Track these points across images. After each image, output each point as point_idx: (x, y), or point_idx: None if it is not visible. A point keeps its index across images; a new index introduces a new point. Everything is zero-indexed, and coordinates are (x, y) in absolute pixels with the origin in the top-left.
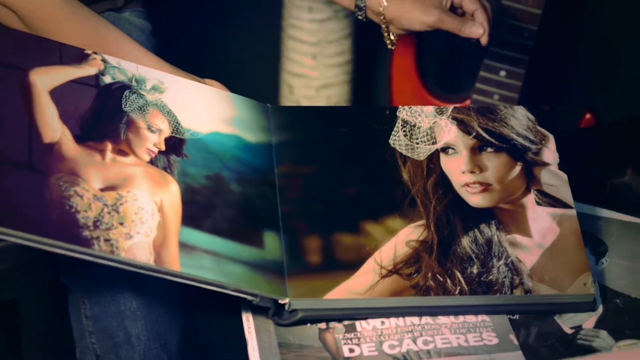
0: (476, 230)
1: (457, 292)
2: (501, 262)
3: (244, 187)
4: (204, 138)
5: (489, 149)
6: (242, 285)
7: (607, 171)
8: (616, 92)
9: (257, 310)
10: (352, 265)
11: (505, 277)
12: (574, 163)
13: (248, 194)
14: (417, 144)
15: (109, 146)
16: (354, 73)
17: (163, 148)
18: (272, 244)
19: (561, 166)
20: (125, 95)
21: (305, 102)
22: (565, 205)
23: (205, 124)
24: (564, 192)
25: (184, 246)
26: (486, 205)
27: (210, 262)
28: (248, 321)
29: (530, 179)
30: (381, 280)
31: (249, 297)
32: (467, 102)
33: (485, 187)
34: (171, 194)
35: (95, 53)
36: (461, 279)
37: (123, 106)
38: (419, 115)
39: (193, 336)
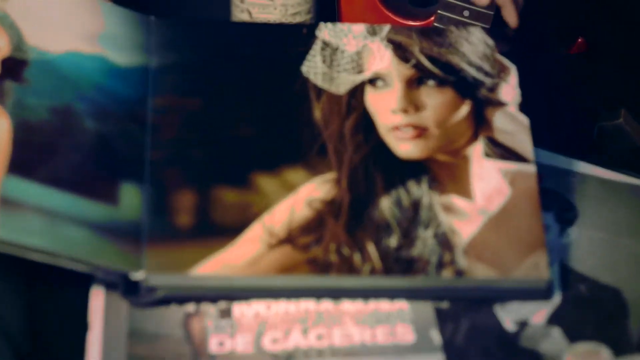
0: (401, 188)
1: (365, 271)
2: (429, 233)
3: (102, 123)
4: (56, 59)
5: (430, 82)
6: (81, 254)
7: (595, 110)
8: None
9: (113, 286)
10: (233, 230)
11: (432, 252)
12: (556, 99)
13: (106, 132)
14: (339, 72)
15: None
16: None
17: None
18: (130, 200)
19: (523, 107)
20: None
21: None
22: (521, 158)
23: (60, 41)
24: (523, 141)
25: (5, 202)
26: (418, 156)
27: (41, 223)
28: (97, 300)
29: (479, 122)
30: (269, 252)
31: (90, 271)
32: (431, 19)
33: (420, 132)
34: None
35: None
36: (374, 253)
37: None
38: (344, 35)
39: (38, 317)
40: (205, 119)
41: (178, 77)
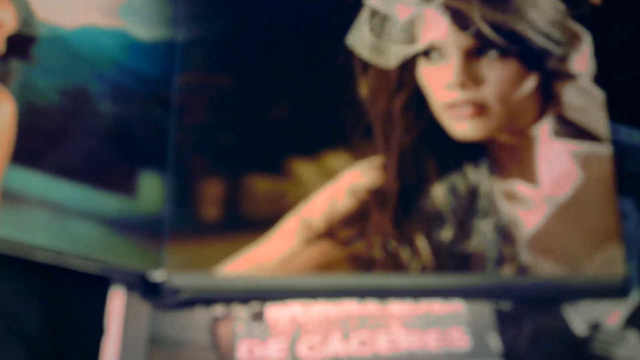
0: (457, 173)
1: (414, 268)
2: (487, 224)
3: (121, 105)
4: (69, 35)
5: (492, 53)
6: (94, 252)
7: None
8: None
9: (134, 286)
10: (266, 224)
11: (491, 246)
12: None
13: (125, 115)
14: (389, 43)
15: None
16: None
17: (1, 50)
18: (151, 190)
19: (598, 79)
20: None
21: None
22: (595, 138)
23: (74, 14)
24: (597, 118)
25: (8, 195)
26: (477, 137)
27: (47, 218)
28: (117, 301)
29: (547, 98)
30: (306, 247)
31: (104, 271)
32: None
33: (479, 109)
34: (1, 116)
35: None
36: (424, 248)
37: None
38: (396, 1)
39: (56, 319)
40: (236, 98)
41: (208, 51)
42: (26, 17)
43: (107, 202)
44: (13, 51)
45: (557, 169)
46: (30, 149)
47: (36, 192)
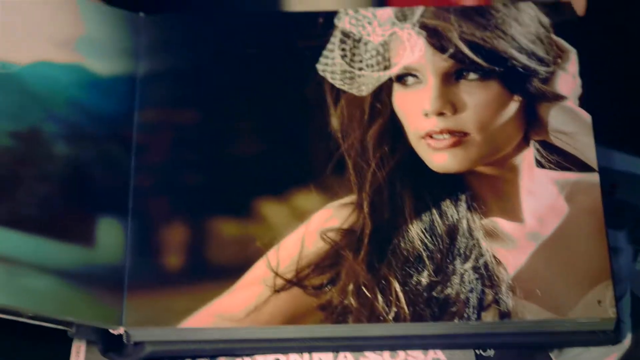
0: (435, 210)
1: (390, 317)
2: (467, 265)
3: (77, 147)
4: (21, 72)
5: (472, 75)
6: (48, 309)
7: None
8: None
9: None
10: (232, 272)
11: (471, 290)
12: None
13: (82, 158)
14: (360, 69)
15: None
16: None
17: None
18: (110, 239)
19: (585, 100)
20: None
21: None
22: (582, 166)
23: (27, 48)
24: (584, 144)
25: None
26: (457, 169)
27: None
28: (77, 357)
29: (531, 122)
30: (275, 296)
31: (61, 327)
32: None
33: (459, 139)
34: None
35: None
36: (400, 294)
37: None
38: (368, 23)
39: None
40: (200, 135)
41: (169, 85)
42: None
43: (64, 253)
44: None
45: (542, 203)
46: None
47: None
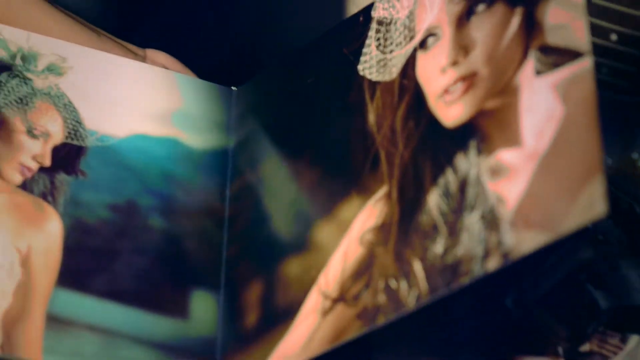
0: (449, 169)
1: (411, 300)
2: (474, 216)
3: (172, 221)
4: (119, 145)
5: (480, 7)
6: None
7: None
8: None
9: None
10: (295, 309)
11: (478, 242)
12: None
13: (177, 232)
14: (392, 51)
15: None
16: None
17: (47, 163)
18: (204, 311)
19: None
20: (1, 81)
21: None
22: (576, 54)
23: (125, 122)
24: (577, 29)
25: (54, 320)
26: (468, 115)
27: (96, 344)
28: None
29: (530, 31)
30: (324, 321)
31: None
32: None
33: (469, 82)
34: (47, 236)
35: None
36: (420, 274)
37: None
38: (397, 1)
39: None
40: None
41: (254, 150)
42: (74, 125)
43: (159, 325)
44: (60, 164)
45: (540, 115)
46: (78, 271)
47: (84, 316)
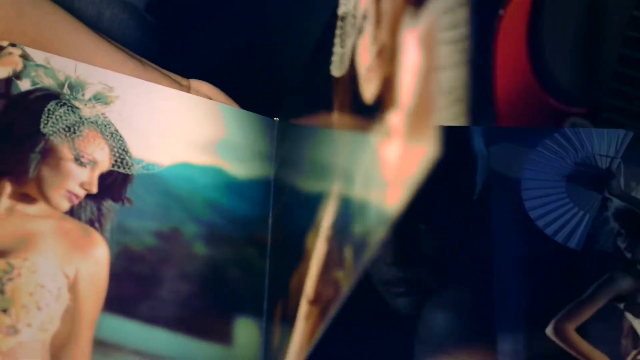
0: None
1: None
2: None
3: (216, 249)
4: (164, 173)
5: None
6: None
7: None
8: None
9: None
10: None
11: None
12: None
13: (220, 259)
14: (348, 44)
15: (8, 187)
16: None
17: (94, 190)
18: (247, 338)
19: None
20: (49, 109)
21: None
22: None
23: (170, 151)
24: None
25: (101, 345)
26: (380, 83)
27: None
28: None
29: None
30: (306, 325)
31: None
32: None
33: (380, 50)
34: (94, 262)
35: (12, 45)
36: (349, 256)
37: (42, 126)
38: None
39: None
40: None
41: (292, 178)
42: (120, 153)
43: (203, 351)
44: (107, 192)
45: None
46: (124, 298)
47: (130, 342)
